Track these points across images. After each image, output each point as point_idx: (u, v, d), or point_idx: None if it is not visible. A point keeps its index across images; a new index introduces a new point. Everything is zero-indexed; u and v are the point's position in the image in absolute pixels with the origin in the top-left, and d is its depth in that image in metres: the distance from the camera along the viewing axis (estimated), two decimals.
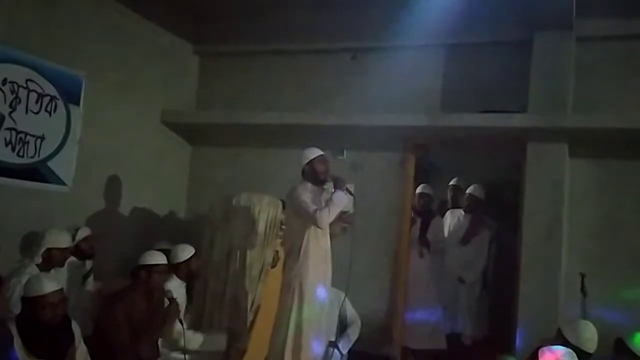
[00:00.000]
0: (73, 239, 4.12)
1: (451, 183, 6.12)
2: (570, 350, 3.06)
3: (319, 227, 3.53)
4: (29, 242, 3.97)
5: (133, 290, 3.63)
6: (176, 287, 3.83)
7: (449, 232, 5.78)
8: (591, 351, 3.32)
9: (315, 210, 3.48)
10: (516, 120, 4.46)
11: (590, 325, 3.44)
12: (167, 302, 3.64)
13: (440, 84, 5.02)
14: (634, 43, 4.52)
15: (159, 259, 3.73)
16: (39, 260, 3.72)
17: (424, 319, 5.20)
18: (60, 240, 3.85)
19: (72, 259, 4.07)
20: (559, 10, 4.28)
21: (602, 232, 4.47)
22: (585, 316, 3.99)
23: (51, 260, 3.76)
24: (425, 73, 5.04)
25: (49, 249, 3.77)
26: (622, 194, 4.48)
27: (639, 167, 4.46)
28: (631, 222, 4.42)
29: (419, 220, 5.50)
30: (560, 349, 3.05)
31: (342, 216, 3.80)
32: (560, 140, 4.49)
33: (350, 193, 3.73)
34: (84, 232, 4.22)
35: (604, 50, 4.57)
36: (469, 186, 5.98)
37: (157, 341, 3.62)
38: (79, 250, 4.17)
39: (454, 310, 5.50)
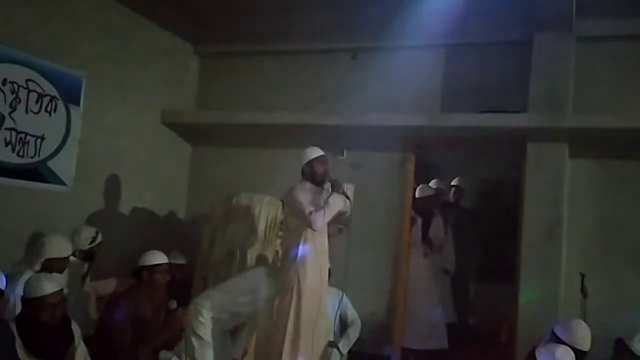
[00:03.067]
0: (93, 240, 4.10)
1: (453, 183, 6.19)
2: (567, 347, 3.07)
3: (313, 229, 3.53)
4: (30, 246, 3.95)
5: (137, 291, 3.63)
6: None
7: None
8: (585, 349, 3.33)
9: (311, 212, 3.48)
10: (516, 120, 4.46)
11: (583, 324, 3.45)
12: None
13: (440, 84, 5.02)
14: (634, 43, 4.51)
15: (160, 258, 3.72)
16: (37, 268, 3.64)
17: (425, 319, 5.20)
18: (60, 250, 3.74)
19: (72, 259, 4.06)
20: (559, 10, 4.28)
21: (602, 232, 4.48)
22: (585, 316, 4.00)
23: (51, 269, 3.64)
24: (425, 73, 5.04)
25: (48, 259, 3.67)
26: (622, 194, 4.48)
27: (639, 167, 4.46)
28: (631, 222, 4.42)
29: (419, 220, 5.50)
30: (557, 347, 3.06)
31: (338, 218, 3.79)
32: (560, 140, 4.49)
33: (347, 196, 3.73)
34: (99, 238, 4.19)
35: (604, 50, 4.57)
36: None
37: (157, 346, 3.59)
38: (92, 254, 4.16)
39: None
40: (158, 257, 3.70)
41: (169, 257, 4.00)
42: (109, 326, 3.47)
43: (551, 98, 4.47)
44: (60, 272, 3.76)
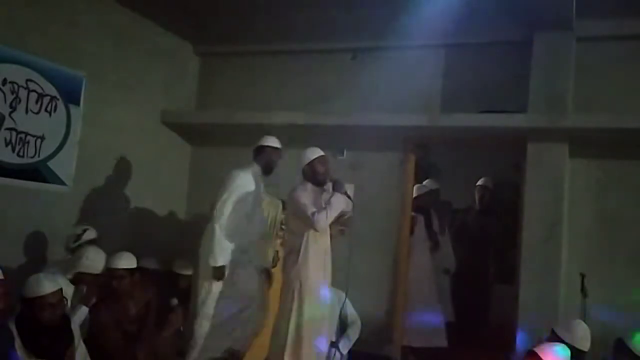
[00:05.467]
0: (79, 238, 4.03)
1: (479, 183, 6.21)
2: (564, 345, 3.07)
3: (315, 230, 3.53)
4: (36, 246, 3.97)
5: (119, 293, 3.63)
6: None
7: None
8: (585, 349, 3.33)
9: (313, 213, 3.48)
10: (516, 120, 4.46)
11: (583, 324, 3.45)
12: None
13: (440, 84, 5.02)
14: (634, 43, 4.51)
15: (118, 262, 3.68)
16: (69, 277, 3.57)
17: (425, 317, 5.19)
18: (95, 266, 3.63)
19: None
20: (559, 10, 4.27)
21: (602, 232, 4.47)
22: (585, 316, 4.00)
23: (80, 283, 3.58)
24: (425, 73, 5.04)
25: (81, 273, 3.60)
26: (622, 194, 4.48)
27: (639, 167, 4.46)
28: (631, 222, 4.42)
29: (421, 218, 5.50)
30: (555, 345, 3.06)
31: (340, 219, 3.79)
32: (560, 140, 4.48)
33: (349, 196, 3.72)
34: (91, 234, 4.12)
35: (604, 50, 4.57)
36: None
37: (154, 344, 3.59)
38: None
39: None
40: (116, 261, 3.67)
41: (141, 262, 3.98)
42: (96, 329, 3.46)
43: (551, 98, 4.47)
44: (89, 287, 3.62)
